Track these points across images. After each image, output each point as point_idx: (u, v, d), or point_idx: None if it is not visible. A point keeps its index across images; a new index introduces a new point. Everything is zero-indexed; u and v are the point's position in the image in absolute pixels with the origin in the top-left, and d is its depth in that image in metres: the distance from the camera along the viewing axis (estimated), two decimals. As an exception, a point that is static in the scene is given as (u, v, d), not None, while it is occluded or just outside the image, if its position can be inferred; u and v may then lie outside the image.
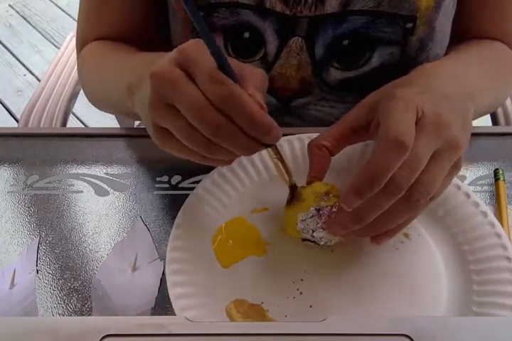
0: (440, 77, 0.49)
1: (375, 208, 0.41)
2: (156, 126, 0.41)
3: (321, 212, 0.45)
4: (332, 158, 0.48)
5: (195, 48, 0.39)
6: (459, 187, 0.51)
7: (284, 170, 0.46)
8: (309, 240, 0.47)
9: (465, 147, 0.44)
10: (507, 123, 0.78)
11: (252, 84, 0.40)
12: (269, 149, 0.43)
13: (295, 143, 0.55)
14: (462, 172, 0.57)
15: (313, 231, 0.46)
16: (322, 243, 0.46)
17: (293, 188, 0.47)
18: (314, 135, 0.55)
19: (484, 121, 0.83)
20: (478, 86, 0.52)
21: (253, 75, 0.41)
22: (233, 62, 0.40)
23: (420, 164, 0.41)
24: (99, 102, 0.68)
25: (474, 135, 0.61)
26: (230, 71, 0.38)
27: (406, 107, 0.42)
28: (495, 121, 0.80)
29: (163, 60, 0.40)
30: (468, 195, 0.51)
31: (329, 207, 0.45)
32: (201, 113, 0.38)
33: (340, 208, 0.43)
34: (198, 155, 0.41)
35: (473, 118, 0.64)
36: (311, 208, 0.45)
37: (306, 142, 0.55)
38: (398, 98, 0.43)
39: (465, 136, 0.44)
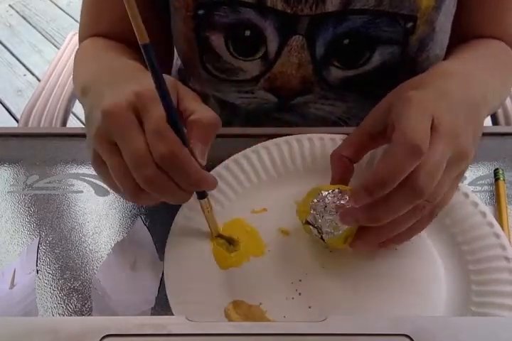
0: (455, 79, 0.48)
1: (392, 211, 0.41)
2: (95, 152, 0.42)
3: (342, 193, 0.45)
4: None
5: (153, 96, 0.39)
6: (457, 188, 0.51)
7: (210, 222, 0.47)
8: (311, 224, 0.46)
9: (472, 157, 0.44)
10: (507, 123, 0.78)
11: (196, 133, 0.41)
12: (203, 202, 0.45)
13: (293, 144, 0.55)
14: (462, 172, 0.57)
15: (323, 213, 0.45)
16: (324, 228, 0.45)
17: (220, 237, 0.49)
18: (314, 136, 0.55)
19: (484, 121, 0.83)
20: (490, 88, 0.52)
21: (200, 122, 0.41)
22: (189, 103, 0.41)
23: (440, 171, 0.41)
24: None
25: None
26: (178, 125, 0.39)
27: (422, 113, 0.42)
28: (495, 121, 0.80)
29: (118, 99, 0.40)
30: (467, 195, 0.51)
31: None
32: (141, 167, 0.39)
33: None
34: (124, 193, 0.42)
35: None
36: (335, 187, 0.45)
37: (305, 143, 0.55)
38: (414, 102, 0.42)
39: (474, 146, 0.44)
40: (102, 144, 0.41)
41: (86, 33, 0.66)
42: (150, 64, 0.37)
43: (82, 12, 0.67)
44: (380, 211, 0.41)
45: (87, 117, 0.45)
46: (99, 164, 0.42)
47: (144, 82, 0.41)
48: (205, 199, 0.45)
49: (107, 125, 0.40)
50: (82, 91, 0.49)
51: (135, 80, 0.43)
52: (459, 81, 0.48)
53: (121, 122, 0.40)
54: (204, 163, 0.41)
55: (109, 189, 0.56)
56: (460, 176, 0.45)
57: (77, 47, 0.68)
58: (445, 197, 0.44)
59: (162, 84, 0.38)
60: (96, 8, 0.65)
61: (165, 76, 0.39)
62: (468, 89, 0.47)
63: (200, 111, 0.42)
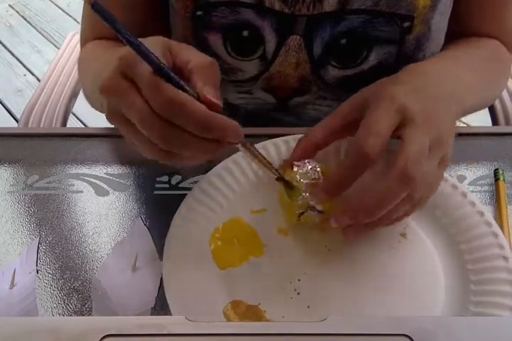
0: (426, 76, 0.50)
1: (384, 203, 0.43)
2: (125, 136, 0.41)
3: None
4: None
5: (135, 56, 0.38)
6: (456, 187, 0.51)
7: (263, 165, 0.46)
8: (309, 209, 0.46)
9: (450, 144, 0.46)
10: (507, 123, 0.78)
11: (201, 77, 0.39)
12: (240, 146, 0.43)
13: (292, 144, 0.55)
14: (462, 172, 0.58)
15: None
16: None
17: (281, 179, 0.47)
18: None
19: (484, 121, 0.83)
20: (464, 86, 0.53)
21: (202, 68, 0.40)
22: (180, 51, 0.39)
23: (423, 158, 0.43)
24: (91, 100, 0.68)
25: (474, 135, 0.62)
26: (168, 74, 0.37)
27: (388, 108, 0.44)
28: (495, 121, 0.80)
29: (109, 71, 0.39)
30: (465, 195, 0.51)
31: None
32: (148, 125, 0.38)
33: (324, 178, 0.46)
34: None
35: (461, 116, 0.65)
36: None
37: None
38: (383, 98, 0.45)
39: (450, 134, 0.46)
40: (116, 122, 0.40)
41: (88, 36, 0.66)
42: (104, 18, 0.35)
43: (83, 16, 0.67)
44: (373, 204, 0.43)
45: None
46: (135, 146, 0.41)
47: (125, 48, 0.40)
48: (242, 144, 0.43)
49: (110, 100, 0.39)
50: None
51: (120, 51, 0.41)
52: (429, 79, 0.49)
53: (117, 91, 0.38)
54: (220, 104, 0.39)
55: (109, 189, 0.56)
56: (444, 164, 0.46)
57: (78, 48, 0.68)
58: (431, 184, 0.45)
59: (131, 39, 0.36)
60: None
61: (154, 38, 0.39)
62: (436, 86, 0.49)
63: (193, 58, 0.40)
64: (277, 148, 0.54)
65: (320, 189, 0.45)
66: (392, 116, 0.44)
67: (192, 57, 0.41)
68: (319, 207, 0.46)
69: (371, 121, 0.43)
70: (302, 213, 0.47)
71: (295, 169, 0.47)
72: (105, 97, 0.40)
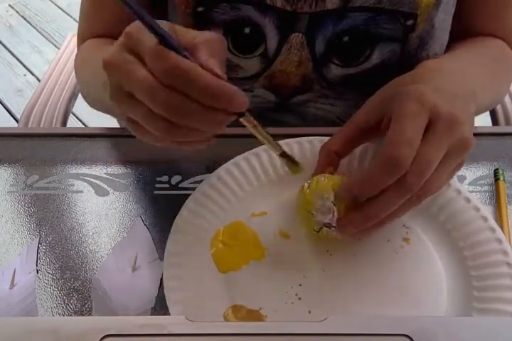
0: (444, 75, 0.49)
1: (386, 208, 0.43)
2: (126, 117, 0.40)
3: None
4: None
5: (139, 28, 0.38)
6: (459, 192, 0.51)
7: (266, 139, 0.44)
8: (325, 225, 0.46)
9: (472, 146, 0.45)
10: (507, 123, 0.78)
11: (205, 51, 0.38)
12: (243, 120, 0.41)
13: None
14: (462, 172, 0.57)
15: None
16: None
17: (284, 156, 0.46)
18: (315, 139, 0.55)
19: (484, 121, 0.83)
20: (479, 85, 0.52)
21: (207, 42, 0.39)
22: (185, 32, 0.39)
23: (431, 169, 0.42)
24: (89, 99, 0.68)
25: (474, 135, 0.62)
26: (173, 44, 0.37)
27: (419, 111, 0.42)
28: (495, 121, 0.80)
29: (112, 48, 0.39)
30: (468, 200, 0.50)
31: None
32: (152, 94, 0.37)
33: (349, 209, 0.44)
34: (170, 140, 0.40)
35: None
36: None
37: (306, 146, 0.54)
38: (412, 98, 0.43)
39: (472, 136, 0.45)
40: (119, 99, 0.39)
41: (85, 35, 0.66)
42: None
43: (80, 15, 0.67)
44: (375, 210, 0.43)
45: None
46: (136, 129, 0.40)
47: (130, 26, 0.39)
48: (246, 117, 0.41)
49: (113, 76, 0.38)
50: (104, 83, 0.49)
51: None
52: (448, 77, 0.49)
53: (120, 65, 0.38)
54: (224, 76, 0.38)
55: (109, 189, 0.56)
56: (459, 167, 0.46)
57: (76, 48, 0.68)
58: (438, 186, 0.45)
59: (136, 8, 0.36)
60: (93, 8, 0.65)
61: (159, 21, 0.38)
62: (456, 84, 0.48)
63: (199, 34, 0.40)
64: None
65: (343, 191, 0.44)
66: (422, 120, 0.42)
67: (197, 34, 0.40)
68: (333, 223, 0.45)
69: (401, 128, 0.41)
70: (320, 228, 0.46)
71: (306, 185, 0.46)
72: (108, 74, 0.39)
